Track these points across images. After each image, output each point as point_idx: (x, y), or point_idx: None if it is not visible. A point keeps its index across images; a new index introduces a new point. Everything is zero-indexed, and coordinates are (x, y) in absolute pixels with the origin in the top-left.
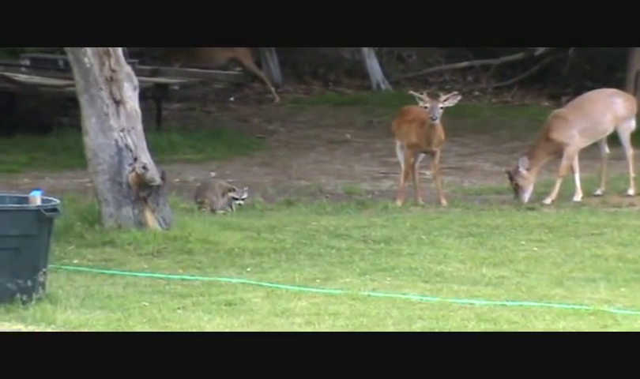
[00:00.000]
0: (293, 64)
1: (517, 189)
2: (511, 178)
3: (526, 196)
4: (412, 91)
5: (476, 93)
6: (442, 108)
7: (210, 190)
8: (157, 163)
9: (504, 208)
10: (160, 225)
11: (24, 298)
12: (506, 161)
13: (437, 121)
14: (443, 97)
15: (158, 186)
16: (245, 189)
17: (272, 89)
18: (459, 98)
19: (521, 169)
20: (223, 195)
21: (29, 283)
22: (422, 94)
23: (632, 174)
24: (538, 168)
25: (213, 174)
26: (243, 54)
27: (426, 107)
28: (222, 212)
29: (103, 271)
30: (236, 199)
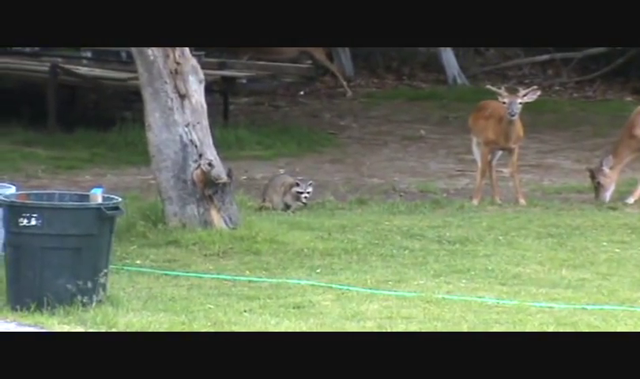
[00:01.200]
0: (365, 57)
1: (598, 188)
2: (593, 177)
3: (608, 195)
4: (489, 86)
5: (557, 88)
6: (520, 103)
7: (272, 189)
8: (224, 159)
9: (585, 208)
10: (226, 224)
11: (85, 299)
12: (588, 158)
13: (515, 117)
14: (522, 92)
15: (224, 184)
16: (309, 182)
17: (344, 83)
18: (539, 93)
19: (604, 167)
20: (285, 193)
21: (90, 284)
22: (500, 88)
23: None
24: (621, 166)
25: (282, 171)
26: (314, 48)
27: (504, 102)
28: (289, 212)
29: (167, 272)
30: (301, 193)
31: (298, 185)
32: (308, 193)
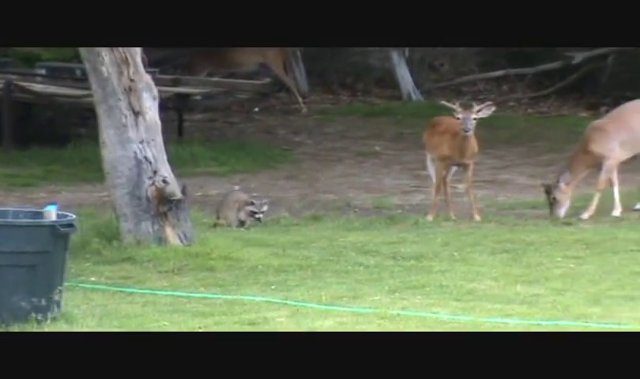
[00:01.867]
0: (320, 73)
1: (554, 204)
2: (549, 192)
3: (563, 210)
4: (443, 102)
5: (511, 103)
6: (475, 119)
7: (226, 206)
8: (178, 176)
9: (539, 224)
10: (181, 241)
11: (39, 317)
12: (542, 174)
13: (470, 133)
14: (476, 108)
15: (179, 201)
16: (264, 200)
17: (300, 99)
18: (493, 108)
19: (561, 183)
20: (239, 209)
21: (44, 301)
22: (454, 104)
23: None
24: (576, 182)
25: (237, 187)
26: (273, 58)
27: (458, 118)
28: (243, 228)
29: (122, 289)
30: (255, 213)
31: (252, 204)
32: (262, 212)
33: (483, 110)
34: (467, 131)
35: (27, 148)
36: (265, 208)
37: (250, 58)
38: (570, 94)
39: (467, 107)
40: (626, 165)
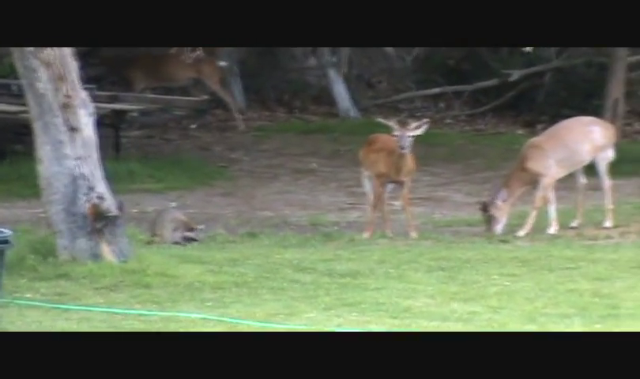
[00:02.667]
0: (257, 90)
1: (491, 221)
2: (485, 209)
3: (499, 227)
4: (380, 119)
5: (448, 121)
6: (411, 137)
7: (161, 224)
8: (115, 192)
9: (476, 241)
10: (117, 258)
11: None
12: (479, 192)
13: (406, 151)
14: (413, 125)
15: (115, 217)
16: (201, 227)
17: (237, 115)
18: (428, 125)
19: (498, 200)
20: (175, 229)
21: None
22: (391, 121)
23: (609, 206)
24: (513, 199)
25: (173, 204)
26: (209, 74)
27: (395, 136)
28: (176, 245)
29: (57, 305)
30: (193, 239)
31: (192, 230)
32: (200, 238)
33: (419, 128)
34: (403, 149)
35: None
36: (202, 235)
37: (184, 72)
38: (506, 111)
39: (403, 125)
40: (561, 183)
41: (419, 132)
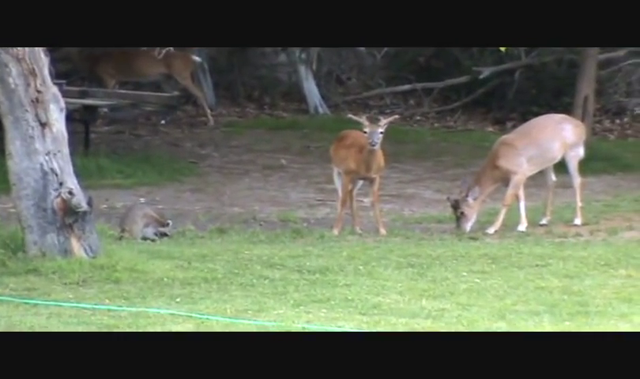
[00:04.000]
0: (227, 86)
1: (461, 218)
2: (456, 207)
3: (469, 225)
4: (350, 115)
5: (418, 118)
6: (381, 133)
7: (131, 219)
8: (84, 188)
9: (445, 238)
10: (87, 253)
11: None
12: (449, 188)
13: (377, 147)
14: (383, 121)
15: (84, 213)
16: (169, 222)
17: (208, 111)
18: (398, 117)
19: (469, 198)
20: (147, 225)
21: None
22: (361, 117)
23: (579, 204)
24: (484, 197)
25: (143, 200)
26: (179, 69)
27: (365, 132)
28: (146, 240)
29: (26, 300)
30: (165, 234)
31: (167, 225)
32: (168, 234)
33: (389, 122)
34: (374, 145)
35: None
36: (171, 230)
37: (155, 68)
38: (476, 109)
39: (373, 121)
40: (531, 180)
41: (387, 125)
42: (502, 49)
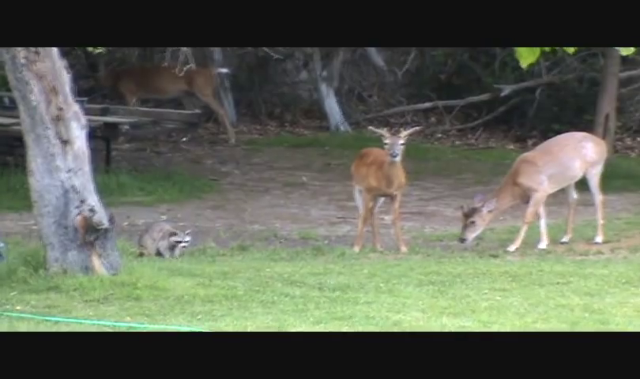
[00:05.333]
0: (248, 103)
1: (468, 226)
2: (469, 215)
3: (473, 236)
4: (371, 127)
5: (439, 135)
6: (402, 144)
7: (148, 236)
8: (105, 205)
9: (466, 256)
10: (108, 270)
11: None
12: (469, 206)
13: (398, 159)
14: (404, 133)
15: (106, 230)
16: (187, 231)
17: (229, 128)
18: (418, 128)
19: (484, 209)
20: (163, 238)
21: None
22: (382, 130)
23: (600, 221)
24: (498, 213)
25: (164, 217)
26: (201, 86)
27: (386, 144)
28: (166, 256)
29: (47, 318)
30: (179, 242)
31: (176, 234)
32: (186, 242)
33: (410, 134)
34: (395, 156)
35: None
36: (188, 239)
37: (177, 85)
38: (497, 126)
39: (394, 133)
40: (553, 198)
41: (409, 132)
42: (523, 65)
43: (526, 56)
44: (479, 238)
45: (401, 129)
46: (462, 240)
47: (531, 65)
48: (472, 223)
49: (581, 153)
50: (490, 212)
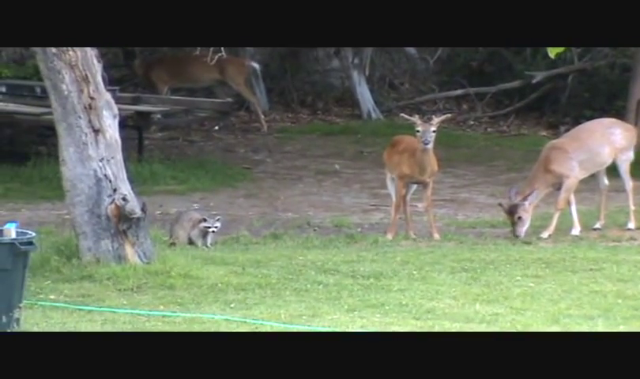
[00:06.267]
0: (280, 91)
1: (517, 223)
2: (512, 212)
3: (524, 229)
4: (403, 114)
5: (471, 122)
6: (434, 132)
7: (179, 225)
8: (138, 194)
9: (499, 242)
10: (141, 259)
11: None
12: (502, 193)
13: (429, 146)
14: (435, 120)
15: (138, 219)
16: (217, 217)
17: (261, 116)
18: (450, 116)
19: (527, 202)
20: (193, 227)
21: (4, 319)
22: (413, 117)
23: (632, 207)
24: (537, 201)
25: (196, 205)
26: (233, 75)
27: (418, 131)
28: (204, 245)
29: (81, 307)
30: (209, 227)
31: (205, 220)
32: (216, 227)
33: (441, 120)
34: (427, 143)
35: None
36: (218, 224)
37: (209, 74)
38: (529, 113)
39: (426, 120)
40: (584, 184)
41: (441, 120)
42: (552, 55)
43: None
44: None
45: (433, 116)
46: (517, 236)
47: (558, 55)
48: (520, 218)
49: (609, 139)
50: (531, 203)
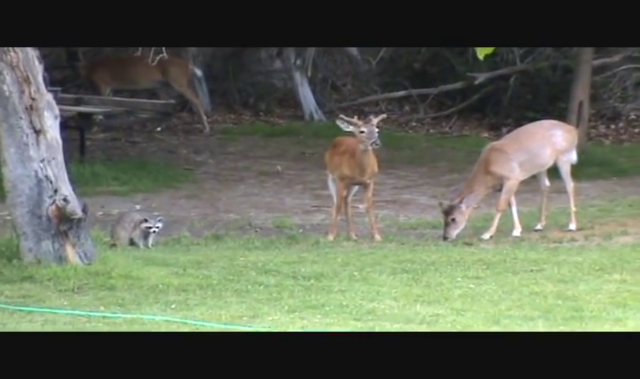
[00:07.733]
0: (223, 92)
1: (450, 224)
2: (448, 212)
3: (457, 232)
4: (342, 116)
5: (414, 124)
6: (378, 129)
7: (120, 226)
8: (80, 195)
9: (440, 244)
10: (82, 260)
11: None
12: (443, 194)
13: (379, 143)
14: (374, 120)
15: (79, 219)
16: (159, 218)
17: (204, 117)
18: (386, 116)
19: (463, 205)
20: (135, 228)
21: None
22: (353, 119)
23: (573, 209)
24: (475, 204)
25: (138, 207)
26: (176, 76)
27: (362, 132)
28: (145, 246)
29: (21, 308)
30: (150, 228)
31: (147, 220)
32: (157, 227)
33: (378, 120)
34: (377, 144)
35: None
36: (159, 225)
37: (151, 75)
38: (472, 114)
39: (366, 121)
40: (525, 185)
41: (379, 119)
42: (481, 56)
43: (482, 48)
44: (472, 227)
45: (371, 116)
46: (445, 238)
47: (488, 56)
48: (453, 220)
49: (551, 141)
50: (468, 207)
